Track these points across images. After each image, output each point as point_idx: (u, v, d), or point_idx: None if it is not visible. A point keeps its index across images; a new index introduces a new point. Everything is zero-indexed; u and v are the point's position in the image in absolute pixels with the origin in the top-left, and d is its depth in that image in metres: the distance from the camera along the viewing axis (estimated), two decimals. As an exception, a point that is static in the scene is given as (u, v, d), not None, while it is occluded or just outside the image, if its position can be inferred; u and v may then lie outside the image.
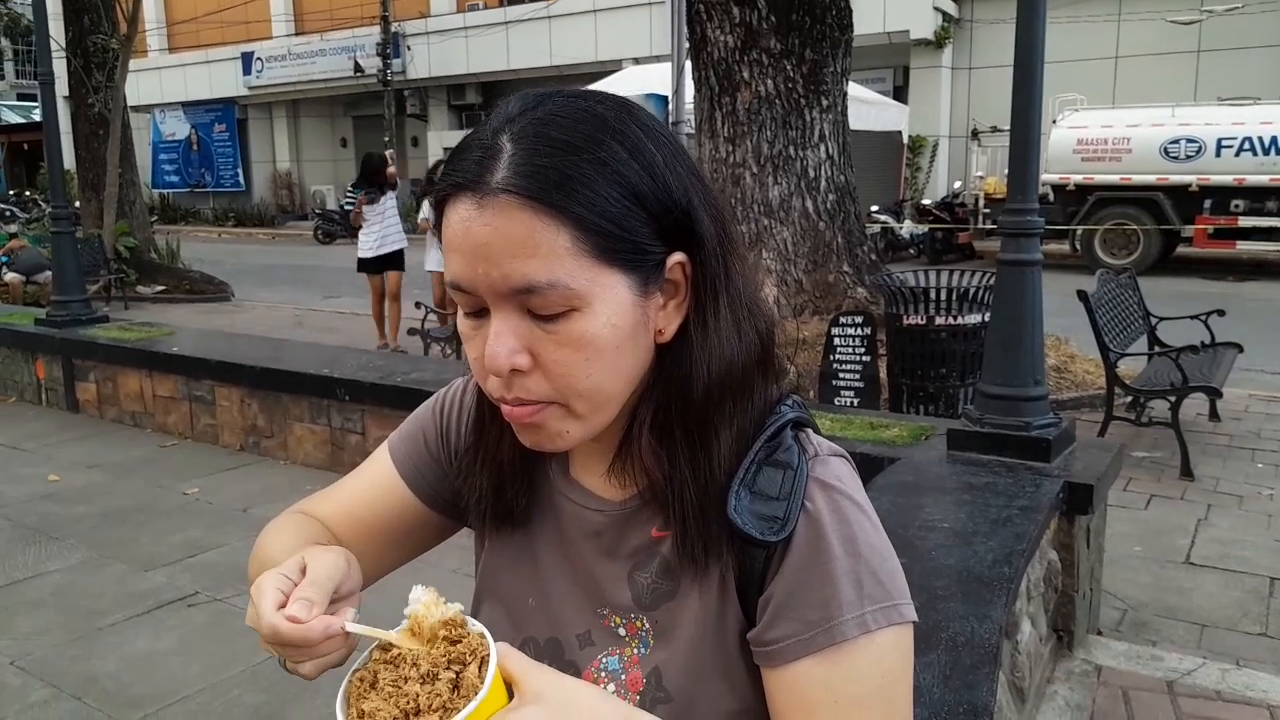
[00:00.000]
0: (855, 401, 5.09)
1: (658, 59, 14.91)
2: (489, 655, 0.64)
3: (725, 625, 0.76)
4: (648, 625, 0.79)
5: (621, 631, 0.79)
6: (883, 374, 5.24)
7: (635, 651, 0.79)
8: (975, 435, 3.24)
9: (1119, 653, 3.12)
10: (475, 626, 0.66)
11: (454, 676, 0.63)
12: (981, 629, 2.09)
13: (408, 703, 0.62)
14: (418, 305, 7.47)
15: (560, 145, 0.69)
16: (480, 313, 0.73)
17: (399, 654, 0.66)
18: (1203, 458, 5.13)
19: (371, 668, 0.66)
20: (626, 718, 0.67)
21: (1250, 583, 3.71)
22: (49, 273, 8.81)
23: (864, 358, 5.16)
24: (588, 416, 0.74)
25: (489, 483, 0.86)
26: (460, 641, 0.65)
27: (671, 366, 0.76)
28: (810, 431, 0.80)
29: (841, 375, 5.20)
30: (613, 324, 0.71)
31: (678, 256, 0.74)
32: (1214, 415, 5.89)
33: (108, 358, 6.19)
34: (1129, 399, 5.44)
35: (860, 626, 0.72)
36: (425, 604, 0.67)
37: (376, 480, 0.93)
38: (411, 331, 7.41)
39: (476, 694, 0.61)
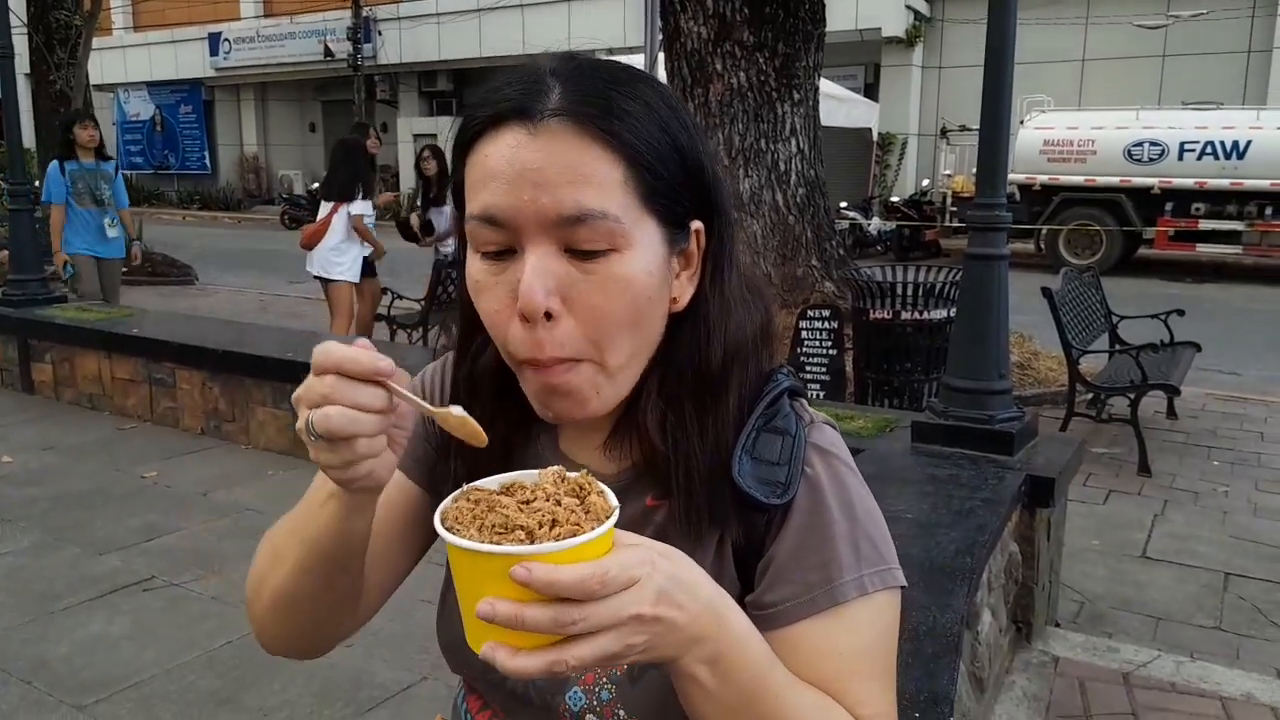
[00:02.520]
0: (821, 394, 5.11)
1: (631, 50, 14.85)
2: (604, 489, 0.63)
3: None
4: None
5: None
6: (848, 367, 5.27)
7: None
8: (939, 428, 3.26)
9: (1076, 644, 3.16)
10: (573, 473, 0.65)
11: (579, 503, 0.62)
12: (943, 619, 2.11)
13: (542, 516, 0.60)
14: (384, 290, 7.39)
15: (609, 82, 0.71)
16: (504, 254, 0.71)
17: (513, 484, 0.65)
18: (1160, 454, 5.21)
19: (479, 496, 0.64)
20: (716, 587, 0.66)
21: (1205, 577, 3.78)
22: (5, 251, 8.61)
23: (830, 351, 5.18)
24: (617, 376, 0.73)
25: (465, 472, 0.83)
26: (567, 480, 0.64)
27: (687, 335, 0.76)
28: (803, 401, 0.82)
29: (808, 368, 5.22)
30: (649, 271, 0.71)
31: (697, 224, 0.76)
32: (1171, 413, 5.99)
33: (65, 338, 6.06)
34: (1090, 396, 5.51)
35: (858, 588, 0.74)
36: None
37: None
38: (379, 317, 7.33)
39: (609, 515, 0.60)
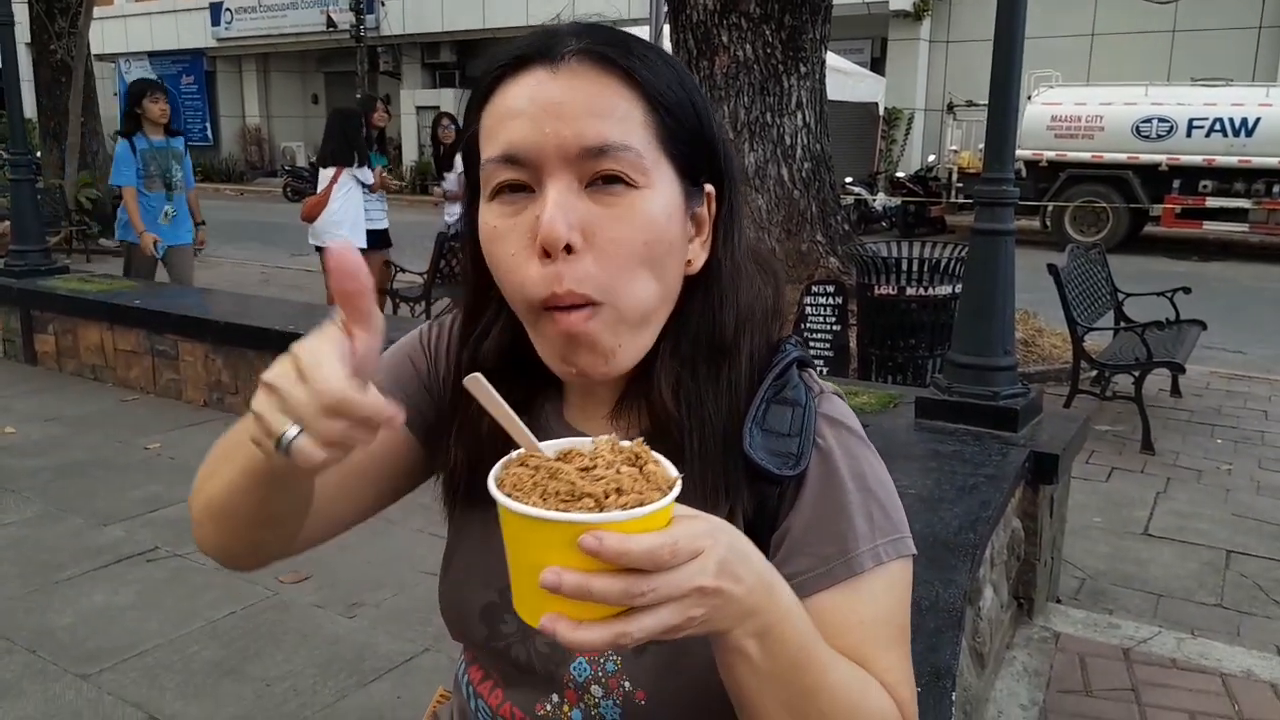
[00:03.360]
0: (825, 370, 5.10)
1: (635, 21, 14.72)
2: (660, 458, 0.62)
3: None
4: None
5: None
6: (852, 343, 5.26)
7: None
8: (943, 404, 3.25)
9: (1077, 620, 3.17)
10: (628, 442, 0.63)
11: (637, 471, 0.60)
12: (946, 594, 2.11)
13: (607, 485, 0.58)
14: (387, 264, 7.35)
15: (627, 35, 0.73)
16: (521, 190, 0.70)
17: (570, 451, 0.63)
18: (1164, 432, 5.21)
19: (538, 462, 0.61)
20: (761, 556, 0.65)
21: (1206, 555, 3.78)
22: (6, 222, 8.58)
23: (834, 327, 5.17)
24: (637, 327, 0.73)
25: (464, 457, 0.82)
26: (621, 450, 0.62)
27: (699, 300, 0.76)
28: (812, 371, 0.81)
29: (812, 344, 5.21)
30: (666, 213, 0.71)
31: (710, 187, 0.76)
32: (1176, 391, 5.98)
33: (67, 309, 6.05)
34: (1094, 373, 5.50)
35: (874, 558, 0.74)
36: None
37: None
38: (383, 291, 7.31)
39: (672, 484, 0.58)
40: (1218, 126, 12.75)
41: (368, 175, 6.63)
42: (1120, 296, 6.29)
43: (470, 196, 0.77)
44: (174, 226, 6.51)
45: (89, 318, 5.92)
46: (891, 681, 0.74)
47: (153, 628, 3.01)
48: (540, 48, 0.70)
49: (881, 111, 18.02)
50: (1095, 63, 17.10)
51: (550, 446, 0.64)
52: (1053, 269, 5.23)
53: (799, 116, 6.55)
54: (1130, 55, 16.56)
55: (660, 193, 0.71)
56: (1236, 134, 12.66)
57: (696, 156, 0.74)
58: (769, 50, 6.39)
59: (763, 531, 0.76)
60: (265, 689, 2.70)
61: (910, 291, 4.98)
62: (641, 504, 0.56)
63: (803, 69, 6.51)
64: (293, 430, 0.58)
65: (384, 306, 7.31)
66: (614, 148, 0.68)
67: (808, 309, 5.22)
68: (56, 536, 3.69)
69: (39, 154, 12.61)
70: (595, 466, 0.60)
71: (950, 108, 16.97)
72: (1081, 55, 17.21)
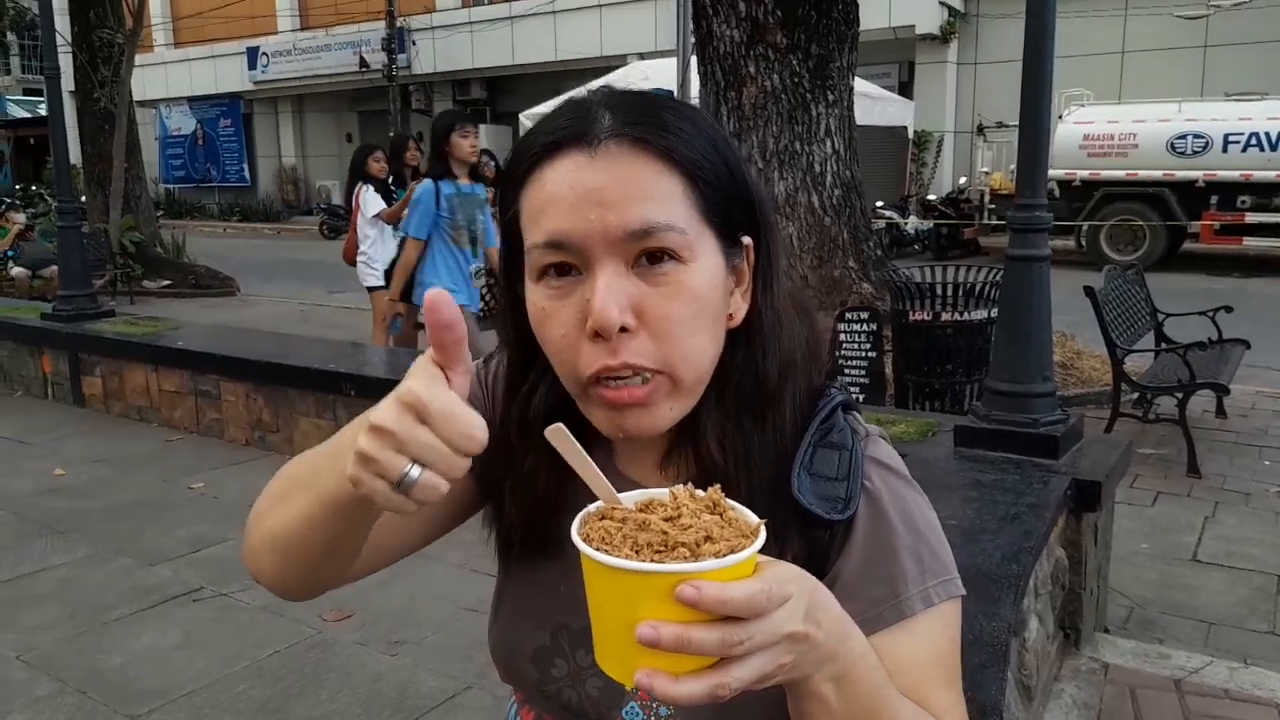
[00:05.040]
0: (861, 398, 5.08)
1: (663, 54, 14.88)
2: (735, 505, 0.62)
3: None
4: None
5: None
6: (888, 370, 5.24)
7: None
8: (982, 432, 3.23)
9: (1126, 650, 3.11)
10: (702, 492, 0.64)
11: (719, 519, 0.60)
12: (990, 627, 2.08)
13: (696, 534, 0.57)
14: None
15: (656, 105, 0.74)
16: (567, 272, 0.72)
17: (651, 501, 0.62)
18: (1210, 455, 5.11)
19: (624, 514, 0.61)
20: (834, 600, 0.65)
21: (1257, 580, 3.70)
22: (55, 267, 8.81)
23: (870, 354, 5.15)
24: (689, 389, 0.74)
25: (519, 513, 0.84)
26: (697, 497, 0.63)
27: (742, 351, 0.78)
28: (856, 414, 0.83)
29: (847, 371, 5.19)
30: (712, 283, 0.73)
31: (747, 239, 0.78)
32: (1220, 412, 5.87)
33: (113, 352, 6.19)
34: (1135, 396, 5.42)
35: (925, 601, 0.75)
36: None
37: None
38: (418, 326, 7.39)
39: (757, 530, 0.59)
40: (1254, 141, 12.58)
41: (373, 204, 6.67)
42: (1160, 317, 6.21)
43: (509, 268, 0.78)
44: (472, 289, 5.62)
45: (134, 360, 6.05)
46: None
47: (200, 668, 3.05)
48: (575, 130, 0.71)
49: (911, 135, 17.99)
50: (1127, 80, 16.96)
51: (629, 498, 0.63)
52: (1089, 291, 5.18)
53: (828, 144, 6.56)
54: (1162, 72, 16.41)
55: (704, 263, 0.72)
56: (1274, 148, 12.48)
57: (733, 215, 0.76)
58: (796, 79, 6.43)
59: (815, 577, 0.77)
60: (310, 728, 2.72)
61: (945, 316, 4.95)
62: (733, 551, 0.56)
63: (830, 96, 6.53)
64: (415, 471, 0.60)
65: (417, 341, 7.40)
66: (658, 229, 0.69)
67: (842, 336, 5.21)
68: (105, 577, 3.75)
69: (84, 199, 12.95)
70: (680, 515, 0.59)
71: (980, 129, 16.90)
72: (1112, 73, 17.08)
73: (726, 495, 0.72)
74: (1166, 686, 2.88)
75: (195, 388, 5.74)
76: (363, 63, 23.71)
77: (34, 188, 20.31)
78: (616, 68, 14.96)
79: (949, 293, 4.99)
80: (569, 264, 0.71)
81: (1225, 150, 12.77)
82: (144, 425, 5.99)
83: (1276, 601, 3.53)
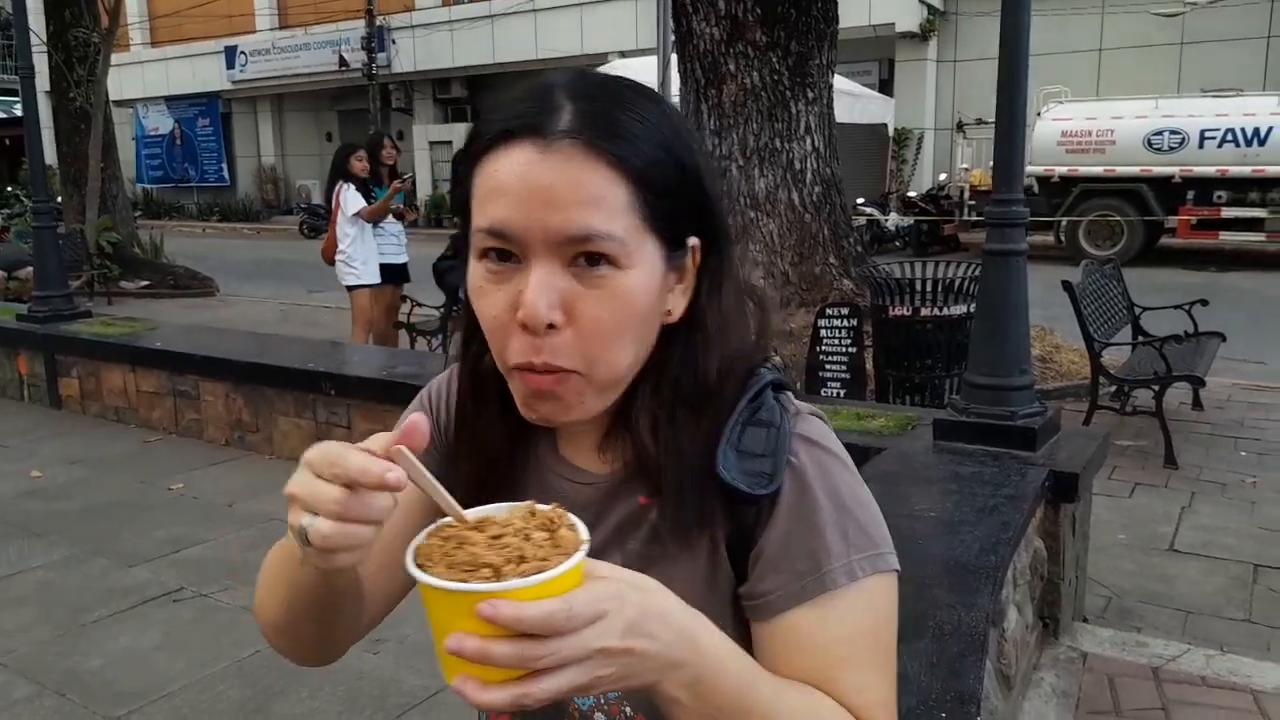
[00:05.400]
0: (842, 393, 5.10)
1: (643, 52, 14.86)
2: (575, 523, 0.64)
3: (716, 585, 0.77)
4: None
5: None
6: (869, 365, 5.26)
7: None
8: (961, 425, 3.25)
9: (1104, 639, 3.14)
10: (545, 507, 0.66)
11: (548, 536, 0.62)
12: (969, 617, 2.10)
13: (510, 552, 0.60)
14: (404, 298, 7.42)
15: (618, 103, 0.73)
16: (507, 258, 0.73)
17: (484, 519, 0.65)
18: (1186, 446, 5.16)
19: (450, 532, 0.64)
20: (691, 613, 0.67)
21: (1234, 569, 3.74)
22: (30, 268, 8.73)
23: (850, 349, 5.17)
24: (606, 388, 0.76)
25: (472, 473, 0.85)
26: (539, 517, 0.65)
27: (680, 346, 0.78)
28: (789, 394, 0.82)
29: (828, 367, 5.21)
30: (645, 289, 0.74)
31: (694, 240, 0.77)
32: (1197, 404, 5.93)
33: (90, 353, 6.14)
34: (1113, 388, 5.46)
35: (848, 575, 0.74)
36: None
37: None
38: (397, 325, 7.37)
39: (578, 549, 0.60)
40: (1230, 137, 12.71)
41: (354, 202, 6.61)
42: (1137, 311, 6.26)
43: (464, 236, 0.79)
44: None
45: (112, 360, 6.00)
46: (863, 703, 0.74)
47: (180, 668, 3.03)
48: (531, 122, 0.71)
49: (891, 132, 18.07)
50: (1104, 77, 17.10)
51: (471, 514, 0.66)
52: (1068, 285, 5.22)
53: (808, 141, 6.58)
54: (1139, 68, 16.55)
55: (641, 270, 0.73)
56: (1249, 144, 12.61)
57: (680, 220, 0.75)
58: (776, 77, 6.44)
59: (742, 553, 0.77)
60: (292, 727, 2.71)
61: (925, 312, 4.97)
62: (542, 570, 0.58)
63: (810, 94, 6.55)
64: (307, 519, 0.63)
65: (397, 341, 7.37)
66: (598, 236, 0.70)
67: (822, 332, 5.23)
68: (83, 579, 3.72)
69: (59, 199, 12.82)
70: (504, 534, 0.62)
71: (960, 126, 16.99)
72: (1090, 70, 17.22)
73: (660, 478, 0.76)
74: (1144, 674, 2.91)
75: (174, 388, 5.70)
76: (342, 61, 23.58)
77: (9, 189, 20.10)
78: (597, 65, 14.95)
79: (928, 288, 5.01)
80: (509, 251, 0.72)
81: (1201, 146, 12.90)
82: (122, 426, 5.94)
83: (1252, 590, 3.57)
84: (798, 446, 0.77)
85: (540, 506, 0.66)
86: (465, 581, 0.58)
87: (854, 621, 0.74)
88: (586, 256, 0.71)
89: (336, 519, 0.62)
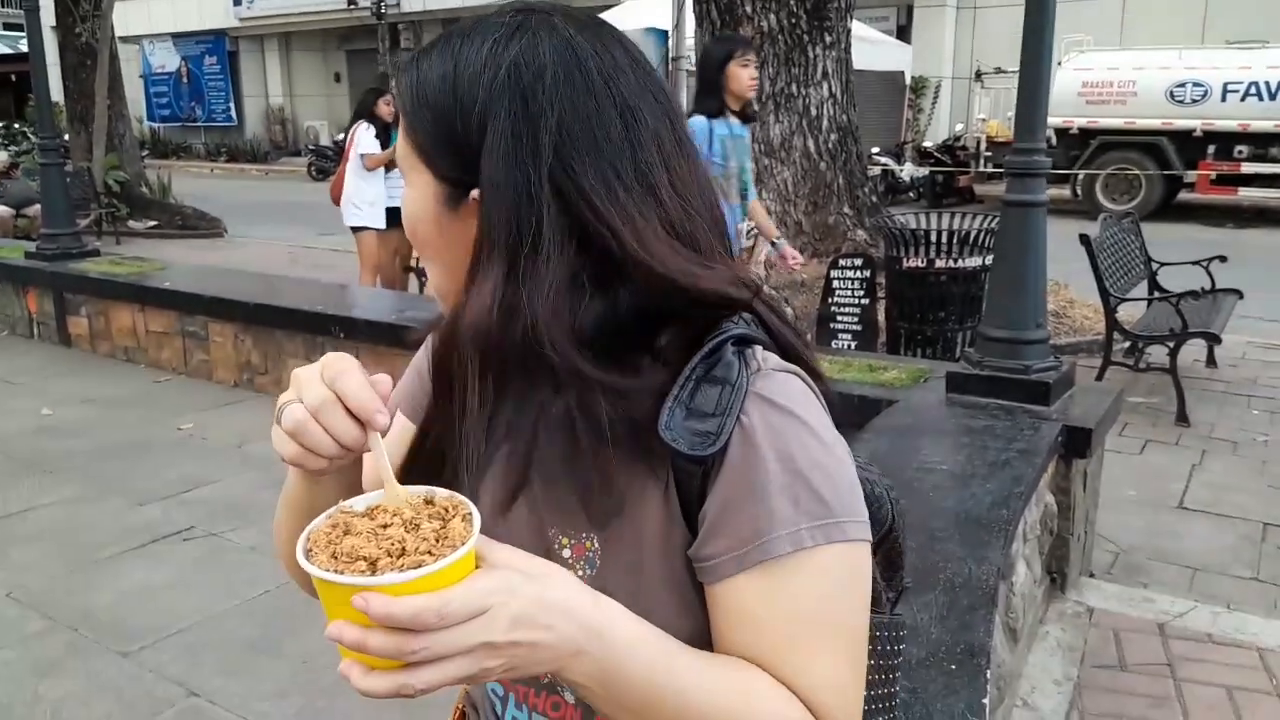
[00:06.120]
0: (853, 344, 5.07)
1: (657, -7, 14.56)
2: (470, 513, 0.64)
3: (672, 543, 0.74)
4: (596, 545, 0.77)
5: (566, 554, 0.77)
6: (881, 317, 5.22)
7: (581, 573, 0.77)
8: (974, 378, 3.22)
9: (1111, 595, 3.15)
10: (444, 493, 0.67)
11: (439, 527, 0.62)
12: (979, 571, 2.09)
13: (391, 545, 0.60)
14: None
15: (443, 37, 0.78)
16: None
17: (376, 508, 0.66)
18: (1199, 404, 5.13)
19: (340, 519, 0.65)
20: (594, 600, 0.66)
21: (1243, 528, 3.73)
22: (38, 206, 8.68)
23: (862, 300, 5.13)
24: (436, 291, 0.82)
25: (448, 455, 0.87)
26: (435, 505, 0.65)
27: (475, 304, 0.73)
28: (759, 349, 0.76)
29: (839, 318, 5.17)
30: (413, 211, 0.79)
31: (474, 194, 0.73)
32: (1211, 361, 5.89)
33: (99, 292, 6.13)
34: (1127, 345, 5.42)
35: (794, 542, 0.69)
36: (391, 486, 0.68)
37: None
38: (406, 269, 7.34)
39: (465, 542, 0.60)
40: (1253, 90, 12.46)
41: (365, 143, 6.58)
42: (1154, 266, 6.19)
43: None
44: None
45: (121, 300, 5.99)
46: (808, 685, 0.70)
47: (191, 606, 3.06)
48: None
49: (908, 80, 17.77)
50: (1127, 26, 16.73)
51: (362, 500, 0.67)
52: (1085, 239, 5.15)
53: (825, 87, 6.47)
54: (1163, 18, 16.19)
55: (413, 191, 0.78)
56: (1273, 97, 12.36)
57: (441, 158, 0.76)
58: (794, 20, 6.31)
59: (691, 510, 0.73)
60: (302, 665, 2.74)
61: (939, 264, 4.92)
62: (421, 565, 0.58)
63: (828, 39, 6.42)
64: (293, 401, 0.68)
65: (407, 285, 7.35)
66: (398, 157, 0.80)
67: (835, 283, 5.18)
68: (95, 516, 3.75)
69: (66, 137, 12.73)
70: (391, 525, 0.62)
71: (978, 75, 16.70)
72: (1113, 19, 16.84)
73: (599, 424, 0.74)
74: (1150, 630, 2.92)
75: (183, 329, 5.70)
76: (350, 0, 23.21)
77: (16, 125, 19.95)
78: (613, 6, 14.66)
79: (943, 240, 4.95)
80: None
81: (1224, 99, 12.65)
82: (131, 366, 5.95)
83: (1261, 548, 3.56)
84: (751, 406, 0.72)
85: (439, 493, 0.66)
86: (342, 573, 0.58)
87: (801, 595, 0.69)
88: None
89: (310, 414, 0.67)
